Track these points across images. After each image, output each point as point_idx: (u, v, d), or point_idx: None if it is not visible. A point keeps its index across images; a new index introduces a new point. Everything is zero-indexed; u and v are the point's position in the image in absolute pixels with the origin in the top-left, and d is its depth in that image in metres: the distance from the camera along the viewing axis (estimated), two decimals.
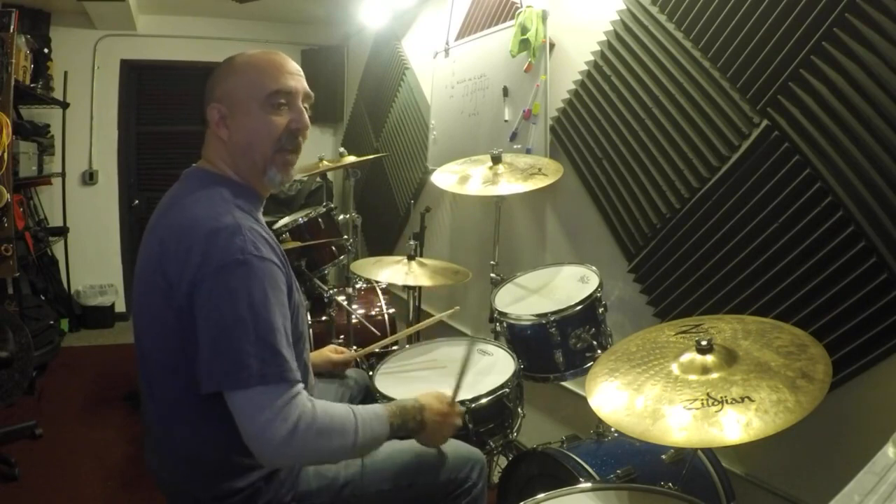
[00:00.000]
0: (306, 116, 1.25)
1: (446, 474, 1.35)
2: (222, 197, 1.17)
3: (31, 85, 3.77)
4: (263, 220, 1.30)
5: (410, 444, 1.40)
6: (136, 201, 4.94)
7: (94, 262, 4.77)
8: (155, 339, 1.16)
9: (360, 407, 1.18)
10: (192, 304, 1.07)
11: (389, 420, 1.20)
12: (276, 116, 1.21)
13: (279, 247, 1.21)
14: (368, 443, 1.17)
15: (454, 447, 1.41)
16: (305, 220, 2.93)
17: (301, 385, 1.09)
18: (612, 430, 1.61)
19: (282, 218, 3.28)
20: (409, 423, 1.24)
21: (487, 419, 1.62)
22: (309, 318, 2.75)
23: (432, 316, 2.02)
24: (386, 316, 2.85)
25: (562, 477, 1.45)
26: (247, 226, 1.11)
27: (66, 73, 4.43)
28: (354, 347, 2.63)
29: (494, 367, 1.77)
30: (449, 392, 1.36)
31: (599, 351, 1.74)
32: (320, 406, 1.10)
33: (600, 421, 1.42)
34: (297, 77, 1.24)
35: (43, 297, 4.20)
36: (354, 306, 2.78)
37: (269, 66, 1.21)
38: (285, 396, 1.05)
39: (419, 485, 1.32)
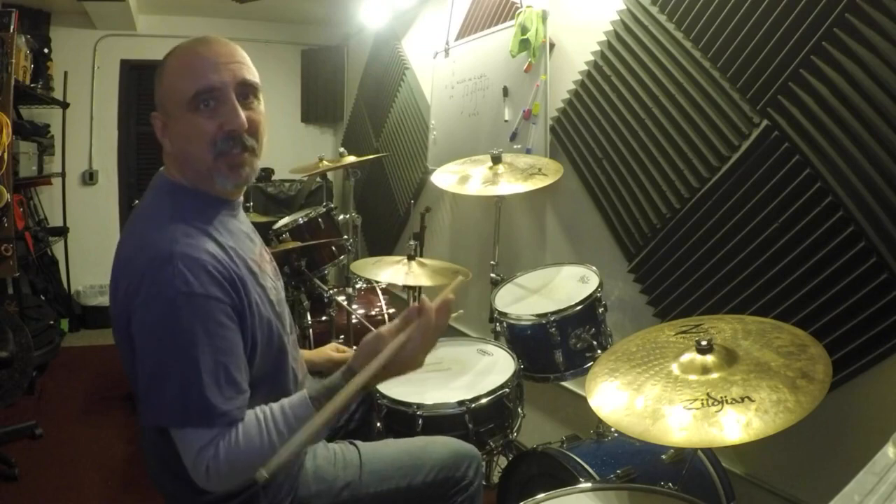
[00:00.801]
0: (241, 113, 1.09)
1: (443, 473, 1.35)
2: (172, 212, 1.10)
3: (31, 85, 3.77)
4: (239, 224, 1.23)
5: (407, 444, 1.41)
6: (136, 201, 4.90)
7: (94, 262, 4.76)
8: (122, 354, 1.14)
9: (274, 416, 1.07)
10: (129, 332, 1.05)
11: (322, 406, 1.01)
12: (205, 119, 1.09)
13: (234, 266, 1.09)
14: (302, 444, 0.98)
15: (450, 445, 1.41)
16: (305, 220, 2.94)
17: (228, 426, 1.02)
18: (612, 430, 1.61)
19: (282, 218, 3.28)
20: (339, 382, 1.08)
21: (487, 419, 1.62)
22: (309, 318, 2.75)
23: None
24: (386, 316, 2.86)
25: (562, 477, 1.45)
26: (182, 254, 1.02)
27: (66, 73, 4.43)
28: (354, 348, 2.63)
29: (494, 367, 1.77)
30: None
31: (599, 351, 1.74)
32: (232, 443, 1.02)
33: (600, 421, 1.42)
34: (224, 67, 1.09)
35: (43, 297, 4.20)
36: (354, 306, 2.78)
37: (192, 64, 1.10)
38: (200, 442, 1.01)
39: (416, 484, 1.33)
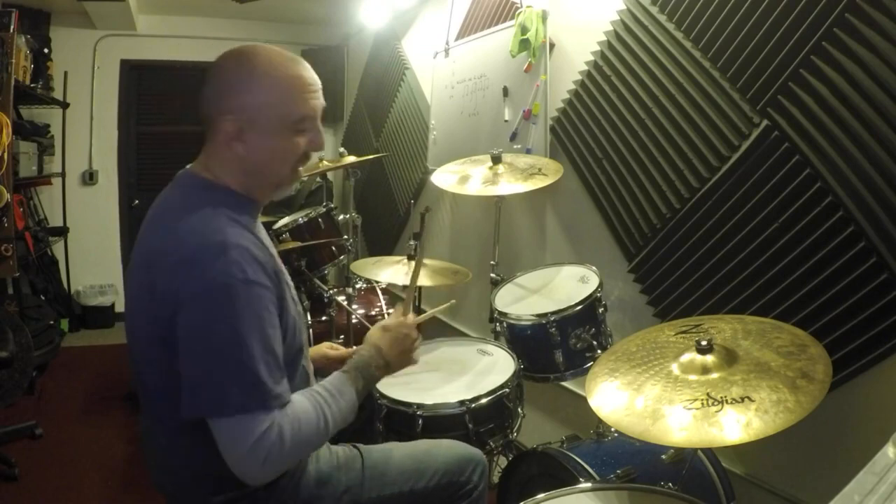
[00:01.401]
0: (322, 134, 1.23)
1: (447, 477, 1.34)
2: (215, 210, 1.11)
3: (31, 85, 3.77)
4: (261, 226, 1.27)
5: (411, 448, 1.40)
6: (136, 201, 4.94)
7: (94, 262, 4.77)
8: (145, 352, 1.14)
9: (325, 392, 1.16)
10: (175, 324, 1.04)
11: (354, 388, 1.20)
12: (300, 138, 1.17)
13: (273, 259, 1.15)
14: (340, 423, 1.17)
15: (455, 449, 1.40)
16: (305, 220, 2.94)
17: (281, 409, 1.06)
18: (612, 430, 1.61)
19: (282, 218, 3.28)
20: (374, 374, 1.26)
21: (487, 419, 1.62)
22: (309, 318, 2.75)
23: (432, 315, 2.01)
24: (386, 316, 2.85)
25: (562, 477, 1.45)
26: (234, 243, 1.06)
27: (66, 73, 4.43)
28: (354, 347, 2.63)
29: (494, 367, 1.77)
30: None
31: (599, 351, 1.74)
32: (292, 423, 1.06)
33: (600, 421, 1.42)
34: (319, 93, 1.19)
35: (43, 297, 4.21)
36: (354, 306, 2.78)
37: (299, 85, 1.15)
38: (262, 426, 1.02)
39: (419, 489, 1.32)
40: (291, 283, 1.26)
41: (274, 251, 1.21)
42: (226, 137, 1.14)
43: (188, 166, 1.23)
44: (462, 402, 1.58)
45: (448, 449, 1.40)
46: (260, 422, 1.02)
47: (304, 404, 1.12)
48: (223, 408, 1.02)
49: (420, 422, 1.57)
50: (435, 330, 2.08)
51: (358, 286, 2.90)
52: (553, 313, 1.74)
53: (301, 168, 1.22)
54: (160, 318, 1.06)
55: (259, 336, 1.05)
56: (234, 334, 1.02)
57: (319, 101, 1.19)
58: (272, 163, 1.17)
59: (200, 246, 1.05)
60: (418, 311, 2.82)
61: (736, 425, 1.00)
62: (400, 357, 1.31)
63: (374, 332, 1.33)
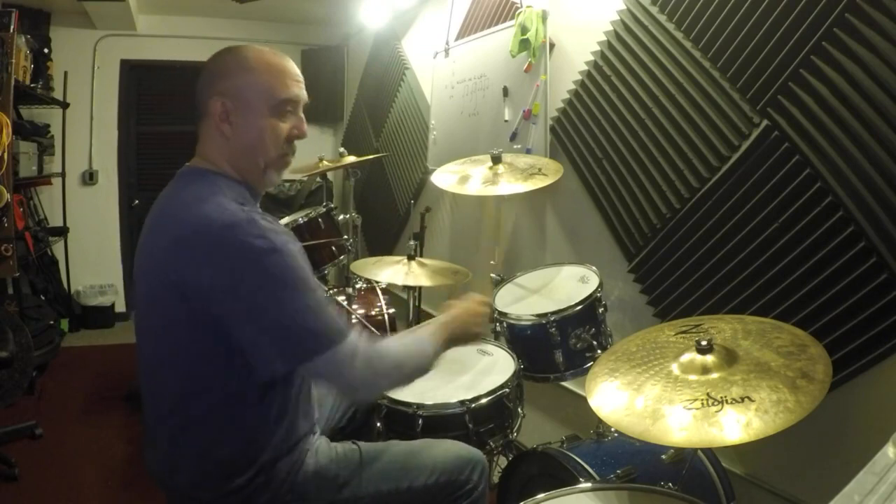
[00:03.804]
0: (305, 123, 1.29)
1: (445, 476, 1.34)
2: (224, 193, 1.17)
3: (31, 85, 3.77)
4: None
5: (410, 446, 1.40)
6: (136, 201, 4.94)
7: (94, 262, 4.77)
8: (162, 341, 1.17)
9: (407, 338, 1.30)
10: (219, 303, 1.09)
11: (434, 349, 1.30)
12: (283, 122, 1.23)
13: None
14: (420, 364, 1.28)
15: (454, 449, 1.41)
16: (305, 220, 2.93)
17: (352, 332, 1.16)
18: (612, 430, 1.61)
19: (282, 218, 3.28)
20: (448, 333, 1.34)
21: (487, 419, 1.62)
22: None
23: (432, 316, 2.01)
24: (386, 316, 2.85)
25: (562, 477, 1.45)
26: (256, 220, 1.13)
27: (66, 73, 4.42)
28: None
29: (494, 367, 1.77)
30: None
31: (599, 351, 1.74)
32: (369, 342, 1.19)
33: (600, 421, 1.42)
34: (302, 84, 1.27)
35: (43, 297, 4.20)
36: (354, 306, 2.78)
37: (282, 72, 1.23)
38: (351, 348, 1.14)
39: (418, 487, 1.32)
40: None
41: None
42: (214, 119, 1.21)
43: (187, 164, 1.27)
44: (462, 402, 1.58)
45: (447, 449, 1.40)
46: (349, 343, 1.13)
47: (390, 341, 1.26)
48: (320, 346, 1.11)
49: (420, 422, 1.57)
50: None
51: (358, 286, 2.90)
52: (553, 313, 1.74)
53: (290, 156, 1.28)
54: (199, 307, 1.10)
55: (312, 283, 1.14)
56: (298, 284, 1.11)
57: (302, 91, 1.27)
58: (257, 143, 1.22)
59: (229, 222, 1.10)
60: (419, 311, 2.82)
61: (736, 425, 1.00)
62: (470, 325, 1.41)
63: (450, 305, 1.44)
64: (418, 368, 1.27)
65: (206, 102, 1.22)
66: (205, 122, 1.24)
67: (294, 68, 1.27)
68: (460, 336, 1.38)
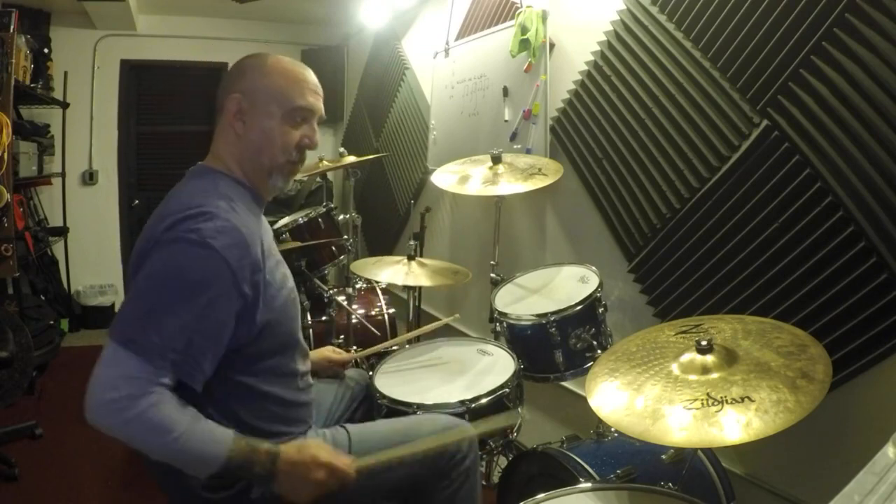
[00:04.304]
0: (318, 135, 1.30)
1: (435, 451, 1.34)
2: (215, 188, 1.19)
3: (31, 85, 3.77)
4: (265, 221, 1.31)
5: (397, 422, 1.43)
6: (136, 201, 4.94)
7: (94, 262, 4.77)
8: None
9: (206, 424, 1.09)
10: (136, 273, 1.11)
11: (228, 452, 1.07)
12: (294, 129, 1.25)
13: (265, 253, 1.19)
14: (189, 459, 1.08)
15: (440, 421, 1.42)
16: (305, 220, 2.93)
17: (160, 381, 1.04)
18: (612, 430, 1.61)
19: (282, 218, 3.28)
20: (255, 467, 1.10)
21: None
22: (309, 318, 2.75)
23: (432, 317, 2.02)
24: (386, 316, 2.85)
25: (562, 477, 1.45)
26: (222, 216, 1.11)
27: (66, 73, 4.42)
28: (354, 347, 2.63)
29: (494, 367, 1.77)
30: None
31: (599, 351, 1.74)
32: (164, 404, 1.05)
33: (600, 421, 1.42)
34: (319, 97, 1.29)
35: (43, 297, 4.20)
36: (354, 306, 2.78)
37: (300, 80, 1.25)
38: (143, 377, 1.03)
39: (409, 461, 1.31)
40: (288, 274, 1.31)
41: (271, 240, 1.26)
42: (229, 115, 1.23)
43: (200, 162, 1.30)
44: (462, 402, 1.58)
45: (433, 421, 1.42)
46: (143, 370, 1.03)
47: (184, 411, 1.07)
48: (124, 337, 1.04)
49: None
50: (435, 330, 2.08)
51: (358, 286, 2.90)
52: (553, 313, 1.74)
53: (297, 164, 1.29)
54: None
55: (185, 303, 1.06)
56: (168, 282, 1.07)
57: (318, 103, 1.28)
58: (266, 145, 1.24)
59: (187, 206, 1.12)
60: (419, 311, 2.82)
61: (736, 425, 1.00)
62: (292, 483, 1.13)
63: (301, 445, 1.18)
64: (183, 460, 1.08)
65: (224, 100, 1.24)
66: (221, 119, 1.26)
67: (314, 79, 1.29)
68: (280, 483, 1.13)
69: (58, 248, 4.61)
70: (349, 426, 1.40)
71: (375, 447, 1.31)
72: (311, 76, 1.29)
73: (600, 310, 1.80)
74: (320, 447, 1.19)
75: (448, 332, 2.94)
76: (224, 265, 1.09)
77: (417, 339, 2.30)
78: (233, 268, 1.10)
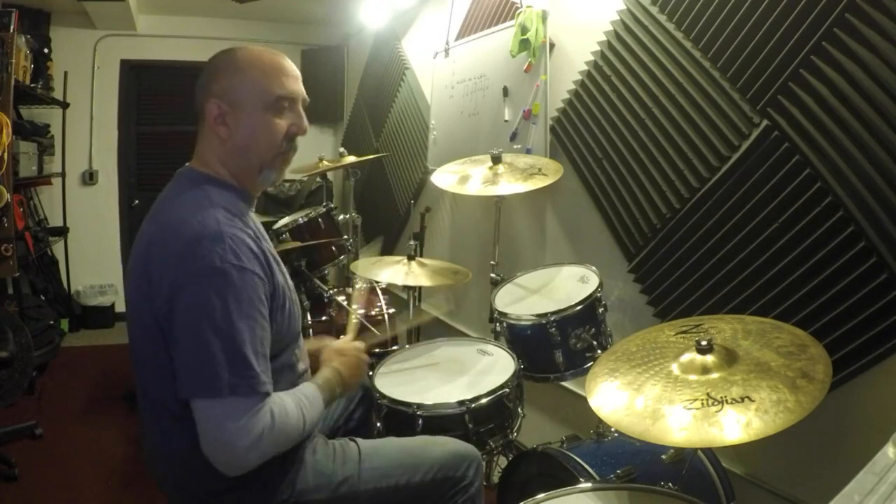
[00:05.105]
0: (305, 120, 1.27)
1: (442, 472, 1.35)
2: (210, 199, 1.17)
3: (31, 85, 3.77)
4: (256, 219, 1.30)
5: (407, 443, 1.41)
6: (136, 201, 4.94)
7: (94, 262, 4.77)
8: (142, 340, 1.17)
9: (303, 396, 1.22)
10: (171, 308, 1.08)
11: (324, 399, 1.27)
12: (279, 119, 1.22)
13: (266, 250, 1.20)
14: (309, 430, 1.23)
15: (450, 445, 1.42)
16: (305, 220, 2.94)
17: (268, 397, 1.11)
18: (612, 430, 1.61)
19: (282, 218, 3.28)
20: (336, 391, 1.32)
21: (487, 419, 1.62)
22: (309, 318, 2.75)
23: (431, 316, 2.02)
24: (386, 316, 2.85)
25: (562, 477, 1.45)
26: (229, 233, 1.11)
27: (66, 73, 4.43)
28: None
29: (494, 367, 1.77)
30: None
31: (599, 351, 1.74)
32: (279, 414, 1.12)
33: (600, 421, 1.42)
34: (298, 81, 1.25)
35: (43, 297, 4.20)
36: (354, 306, 2.78)
37: (274, 69, 1.21)
38: (253, 409, 1.07)
39: (415, 483, 1.33)
40: (287, 274, 1.30)
41: (268, 241, 1.26)
42: (211, 121, 1.21)
43: (186, 164, 1.28)
44: (462, 402, 1.58)
45: (443, 445, 1.42)
46: (250, 404, 1.07)
47: (288, 400, 1.17)
48: (215, 389, 1.05)
49: (420, 422, 1.57)
50: (435, 330, 2.09)
51: (358, 286, 2.90)
52: (553, 313, 1.74)
53: (289, 154, 1.26)
54: (157, 307, 1.10)
55: (249, 323, 1.09)
56: (227, 317, 1.06)
57: (299, 87, 1.25)
58: (253, 143, 1.21)
59: (196, 235, 1.09)
60: (418, 311, 2.82)
61: (736, 425, 1.00)
62: (353, 377, 1.39)
63: (330, 355, 1.40)
64: (302, 436, 1.21)
65: (203, 105, 1.22)
66: (202, 125, 1.24)
67: (289, 64, 1.25)
68: (345, 392, 1.39)
69: (58, 248, 4.61)
70: (359, 440, 1.40)
71: (384, 465, 1.33)
72: (286, 61, 1.24)
73: (600, 310, 1.80)
74: (342, 347, 1.44)
75: (448, 331, 2.94)
76: (256, 278, 1.12)
77: (417, 335, 2.30)
78: (261, 277, 1.14)
